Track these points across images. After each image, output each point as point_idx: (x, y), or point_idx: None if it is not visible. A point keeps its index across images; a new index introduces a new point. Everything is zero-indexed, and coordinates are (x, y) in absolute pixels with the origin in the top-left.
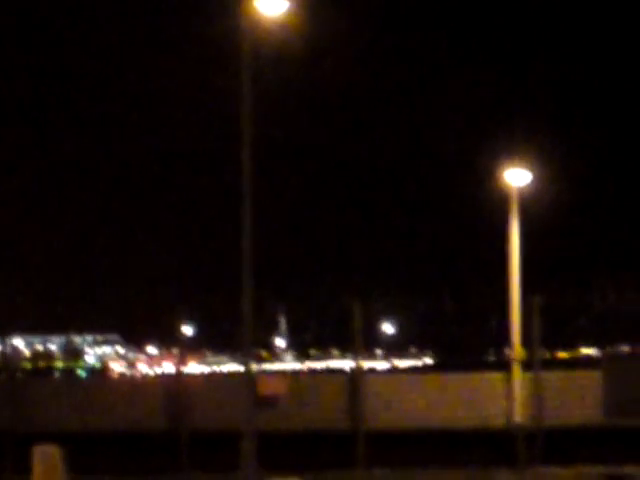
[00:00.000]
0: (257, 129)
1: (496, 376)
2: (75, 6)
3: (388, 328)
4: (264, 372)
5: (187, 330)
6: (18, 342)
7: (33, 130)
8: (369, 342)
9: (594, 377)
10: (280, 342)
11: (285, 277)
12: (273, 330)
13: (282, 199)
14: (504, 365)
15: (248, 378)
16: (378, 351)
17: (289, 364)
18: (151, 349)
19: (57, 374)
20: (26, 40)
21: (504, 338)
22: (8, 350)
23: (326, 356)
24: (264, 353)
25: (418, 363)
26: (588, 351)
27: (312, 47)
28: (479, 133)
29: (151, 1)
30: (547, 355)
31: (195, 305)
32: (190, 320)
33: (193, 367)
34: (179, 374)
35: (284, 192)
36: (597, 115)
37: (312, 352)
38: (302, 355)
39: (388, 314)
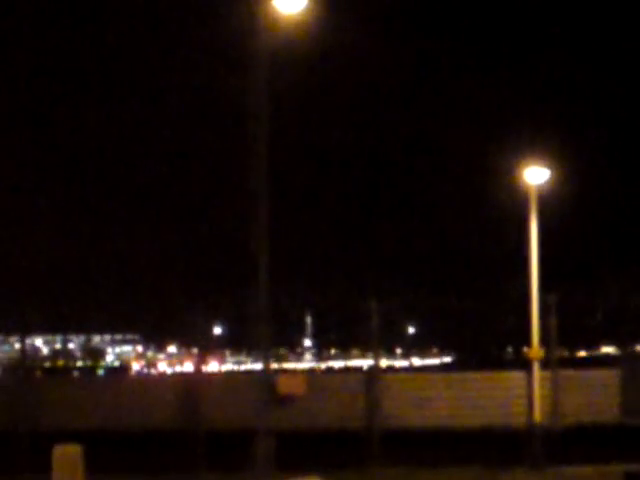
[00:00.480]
0: (271, 128)
1: (515, 375)
2: (89, 3)
3: (410, 329)
4: (283, 371)
5: (217, 330)
6: (37, 341)
7: (42, 130)
8: (390, 341)
9: (612, 376)
10: (307, 342)
11: (306, 278)
12: (300, 330)
13: (298, 199)
14: (522, 363)
15: (265, 377)
16: (398, 350)
17: (308, 363)
18: (172, 348)
19: (76, 373)
20: (33, 38)
21: (522, 336)
22: (27, 349)
23: (346, 355)
24: (282, 351)
25: (436, 362)
26: (607, 350)
27: (330, 45)
28: (497, 132)
29: None
30: (566, 354)
31: (224, 305)
32: (220, 320)
33: (214, 366)
34: (197, 373)
35: (300, 193)
36: (617, 112)
37: (332, 351)
38: (321, 354)
39: (410, 315)
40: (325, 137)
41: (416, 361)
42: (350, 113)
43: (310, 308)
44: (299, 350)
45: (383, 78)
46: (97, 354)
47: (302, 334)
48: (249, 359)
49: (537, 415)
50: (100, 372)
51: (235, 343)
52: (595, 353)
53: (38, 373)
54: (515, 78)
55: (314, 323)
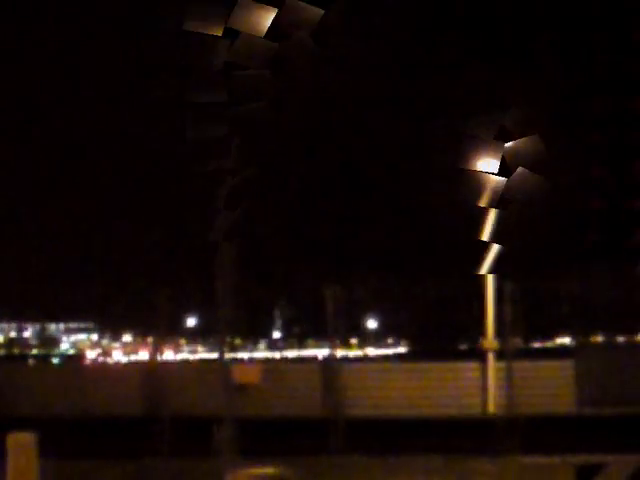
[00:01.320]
0: None
1: (470, 365)
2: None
3: (371, 322)
4: (238, 360)
5: (191, 321)
6: None
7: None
8: (347, 332)
9: (567, 366)
10: (276, 334)
11: (272, 268)
12: (269, 322)
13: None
14: (477, 354)
15: (224, 366)
16: (353, 340)
17: (262, 352)
18: (127, 337)
19: (31, 361)
20: (22, 37)
21: (477, 326)
22: None
23: (300, 345)
24: (237, 341)
25: (390, 352)
26: (563, 340)
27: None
28: (458, 119)
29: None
30: (521, 344)
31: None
32: (194, 310)
33: (169, 355)
34: (154, 361)
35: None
36: (583, 96)
37: (287, 340)
38: (275, 343)
39: (370, 307)
40: (293, 121)
41: (371, 351)
42: (316, 96)
43: (277, 297)
44: (253, 339)
45: (354, 69)
46: (52, 342)
47: (271, 325)
48: (204, 348)
49: (492, 406)
50: (55, 360)
51: (192, 332)
52: (550, 344)
53: None
54: (481, 65)
55: (283, 314)
